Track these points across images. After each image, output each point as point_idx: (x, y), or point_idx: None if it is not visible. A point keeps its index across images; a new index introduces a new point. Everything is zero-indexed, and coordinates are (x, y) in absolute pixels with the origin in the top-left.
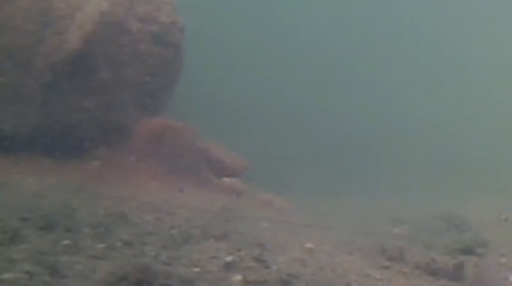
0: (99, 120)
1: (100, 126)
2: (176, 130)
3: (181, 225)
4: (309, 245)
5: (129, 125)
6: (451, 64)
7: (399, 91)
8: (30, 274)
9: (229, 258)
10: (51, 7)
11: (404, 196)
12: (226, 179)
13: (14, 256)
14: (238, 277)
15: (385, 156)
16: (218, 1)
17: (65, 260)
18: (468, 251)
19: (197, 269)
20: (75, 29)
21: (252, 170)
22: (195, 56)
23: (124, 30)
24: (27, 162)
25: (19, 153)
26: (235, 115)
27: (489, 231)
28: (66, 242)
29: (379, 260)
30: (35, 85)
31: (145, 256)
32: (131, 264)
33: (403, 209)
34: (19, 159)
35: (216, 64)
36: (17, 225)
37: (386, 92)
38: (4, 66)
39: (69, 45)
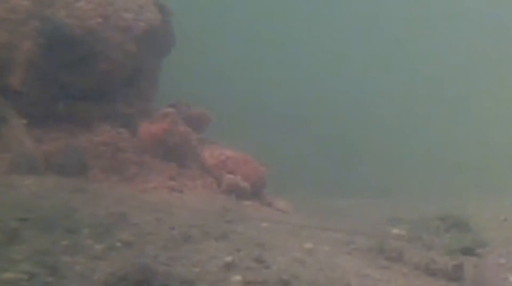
0: None
1: None
2: (176, 133)
3: (181, 225)
4: (308, 245)
5: None
6: (451, 64)
7: (398, 92)
8: (30, 274)
9: (228, 259)
10: None
11: (403, 196)
12: (229, 176)
13: (14, 256)
14: (238, 277)
15: (385, 156)
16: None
17: (65, 260)
18: (467, 251)
19: (197, 269)
20: None
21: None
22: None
23: None
24: None
25: None
26: (236, 117)
27: (488, 232)
28: (66, 242)
29: (378, 260)
30: None
31: (145, 256)
32: (131, 265)
33: (403, 209)
34: None
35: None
36: (17, 225)
37: (385, 92)
38: None
39: None
